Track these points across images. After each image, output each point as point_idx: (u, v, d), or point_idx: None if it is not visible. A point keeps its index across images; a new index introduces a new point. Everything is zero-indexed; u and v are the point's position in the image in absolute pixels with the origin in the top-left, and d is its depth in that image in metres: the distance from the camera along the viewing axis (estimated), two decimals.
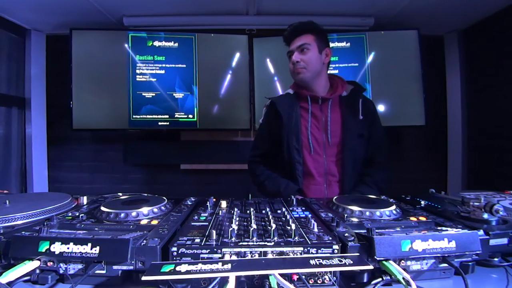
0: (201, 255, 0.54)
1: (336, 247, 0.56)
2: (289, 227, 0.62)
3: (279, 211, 0.79)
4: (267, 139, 1.30)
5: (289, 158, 1.20)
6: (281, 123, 1.22)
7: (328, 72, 1.30)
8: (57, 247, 0.53)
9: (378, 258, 0.53)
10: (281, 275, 0.48)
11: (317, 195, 1.18)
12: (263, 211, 0.79)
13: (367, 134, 1.23)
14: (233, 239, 0.58)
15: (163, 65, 2.35)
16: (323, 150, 1.20)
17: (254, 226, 0.61)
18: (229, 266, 0.47)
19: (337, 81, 1.29)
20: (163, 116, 2.36)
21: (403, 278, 0.51)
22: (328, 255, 0.54)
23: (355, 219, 0.72)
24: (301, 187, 1.21)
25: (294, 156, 1.19)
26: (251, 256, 0.55)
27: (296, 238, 0.58)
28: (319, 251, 0.55)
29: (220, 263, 0.48)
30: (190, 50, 2.38)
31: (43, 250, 0.53)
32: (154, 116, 2.35)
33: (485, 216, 0.68)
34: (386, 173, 1.28)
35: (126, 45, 2.32)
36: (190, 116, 2.39)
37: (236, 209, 0.77)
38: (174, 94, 2.37)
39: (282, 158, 1.24)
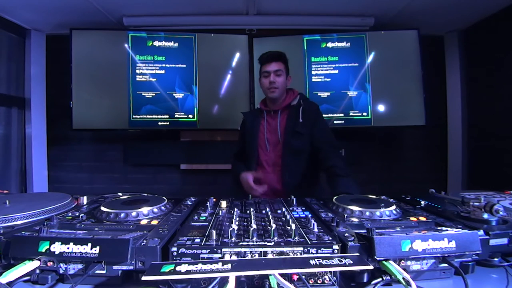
0: (201, 255, 0.54)
1: (336, 247, 0.56)
2: (289, 227, 0.62)
3: (279, 211, 0.79)
4: (242, 139, 1.69)
5: (249, 153, 1.60)
6: (247, 129, 1.63)
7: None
8: (57, 247, 0.53)
9: (378, 258, 0.53)
10: (281, 275, 0.48)
11: (267, 180, 1.50)
12: (263, 211, 0.79)
13: (307, 132, 1.51)
14: (233, 239, 0.58)
15: (163, 65, 2.35)
16: (272, 147, 1.56)
17: (254, 226, 0.61)
18: (229, 266, 0.47)
19: (288, 94, 1.61)
20: (163, 116, 2.36)
21: (403, 278, 0.51)
22: (328, 255, 0.54)
23: (355, 219, 0.72)
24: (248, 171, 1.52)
25: (253, 152, 1.58)
26: (251, 256, 0.55)
27: (296, 238, 0.58)
28: (319, 251, 0.55)
29: (220, 263, 0.48)
30: (190, 50, 2.38)
31: (43, 250, 0.53)
32: (154, 116, 2.35)
33: (485, 216, 0.68)
34: (344, 160, 1.46)
35: (126, 45, 2.32)
36: (190, 116, 2.39)
37: (236, 209, 0.77)
38: (174, 94, 2.37)
39: (247, 153, 1.63)
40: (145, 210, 0.75)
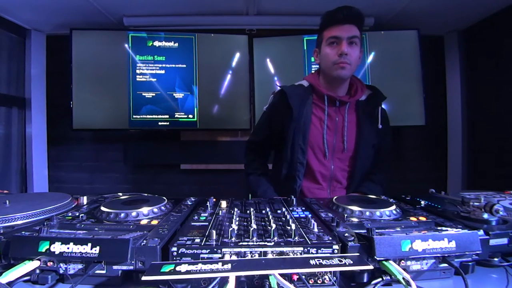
0: (201, 255, 0.54)
1: (336, 247, 0.55)
2: (289, 227, 0.62)
3: (279, 211, 0.79)
4: (267, 129, 1.23)
5: (291, 157, 1.11)
6: (290, 117, 1.11)
7: None
8: (57, 247, 0.53)
9: (378, 258, 0.53)
10: (281, 275, 0.48)
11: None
12: (263, 211, 0.79)
13: (379, 143, 1.16)
14: (233, 239, 0.58)
15: (163, 65, 2.35)
16: (331, 154, 1.12)
17: (254, 226, 0.61)
18: (229, 266, 0.47)
19: (356, 83, 1.19)
20: (163, 116, 2.36)
21: (403, 278, 0.51)
22: (328, 255, 0.54)
23: (355, 219, 0.72)
24: (273, 190, 1.16)
25: (298, 155, 1.10)
26: (251, 256, 0.55)
27: (296, 238, 0.58)
28: (319, 251, 0.55)
29: (220, 263, 0.48)
30: (190, 50, 2.38)
31: (43, 250, 0.53)
32: (154, 116, 2.35)
33: (485, 216, 0.68)
34: (387, 174, 1.27)
35: (126, 45, 2.32)
36: (190, 116, 2.39)
37: (236, 209, 0.77)
38: (174, 94, 2.37)
39: (283, 155, 1.14)
40: (145, 210, 0.75)
